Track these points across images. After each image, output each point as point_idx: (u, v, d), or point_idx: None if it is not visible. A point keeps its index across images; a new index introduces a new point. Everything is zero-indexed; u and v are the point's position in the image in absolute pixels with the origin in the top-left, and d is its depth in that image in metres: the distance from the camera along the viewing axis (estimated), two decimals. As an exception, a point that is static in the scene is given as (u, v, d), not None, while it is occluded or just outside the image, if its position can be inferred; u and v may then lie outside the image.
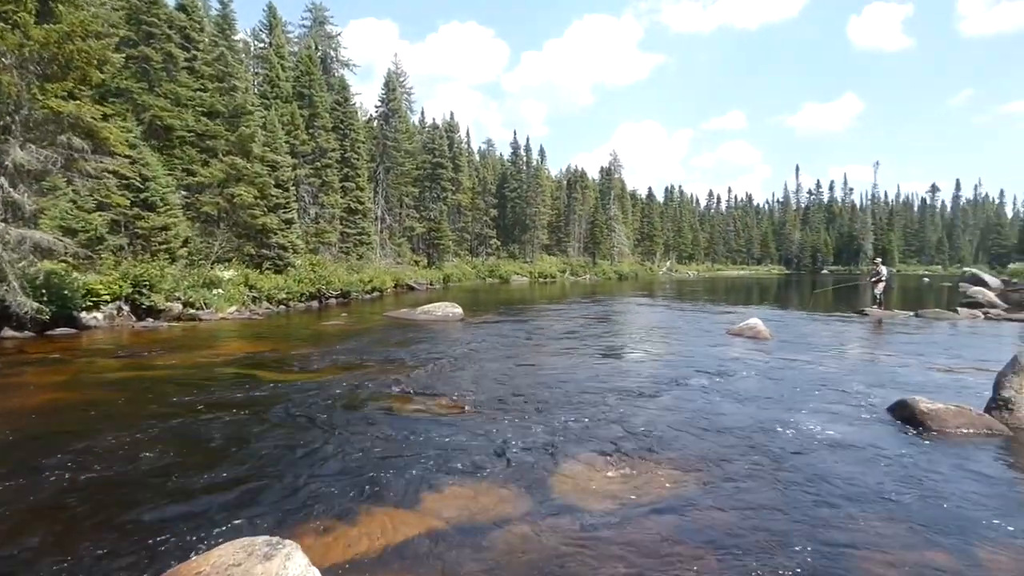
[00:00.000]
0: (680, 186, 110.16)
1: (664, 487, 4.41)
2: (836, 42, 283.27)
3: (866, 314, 17.74)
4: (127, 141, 16.74)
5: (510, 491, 4.32)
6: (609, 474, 4.67)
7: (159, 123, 21.27)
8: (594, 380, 8.26)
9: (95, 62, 11.76)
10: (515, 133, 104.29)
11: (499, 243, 57.51)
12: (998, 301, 21.18)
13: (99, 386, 7.84)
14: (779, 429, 5.85)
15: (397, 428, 5.82)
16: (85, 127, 12.60)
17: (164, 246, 18.51)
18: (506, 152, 65.49)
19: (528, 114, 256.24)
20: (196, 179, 21.84)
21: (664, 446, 5.32)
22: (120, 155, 15.32)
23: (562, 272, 57.85)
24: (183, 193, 21.26)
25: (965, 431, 5.70)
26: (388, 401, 6.98)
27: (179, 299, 15.88)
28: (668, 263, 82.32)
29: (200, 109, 22.66)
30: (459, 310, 17.05)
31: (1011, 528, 3.76)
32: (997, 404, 6.11)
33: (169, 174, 20.16)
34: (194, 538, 3.50)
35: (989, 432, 5.67)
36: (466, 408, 6.63)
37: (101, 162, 13.79)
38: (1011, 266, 43.15)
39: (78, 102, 12.78)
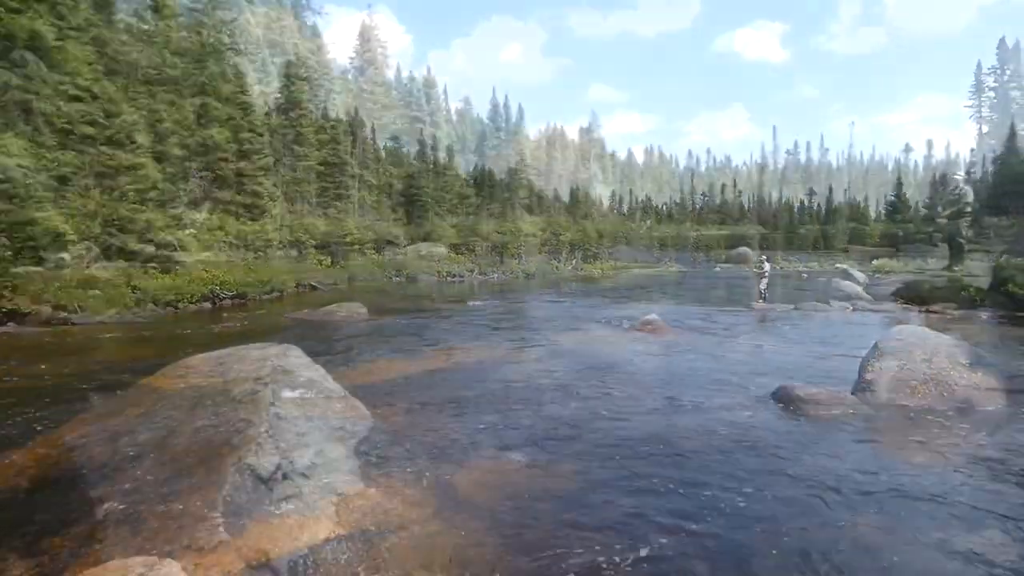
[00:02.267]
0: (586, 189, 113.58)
1: (567, 478, 4.51)
2: (726, 53, 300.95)
3: (753, 308, 19.07)
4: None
5: (414, 492, 4.25)
6: (515, 470, 4.71)
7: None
8: (500, 377, 8.31)
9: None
10: (421, 130, 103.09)
11: (407, 242, 56.59)
12: (864, 294, 23.42)
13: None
14: (676, 416, 6.20)
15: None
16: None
17: (29, 243, 16.66)
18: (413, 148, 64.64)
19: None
20: (68, 170, 19.83)
21: (569, 438, 5.45)
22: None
23: (470, 271, 57.87)
24: (54, 185, 19.22)
25: (836, 411, 6.27)
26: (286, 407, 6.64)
27: (48, 301, 14.36)
28: (574, 262, 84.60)
29: (71, 93, 20.58)
30: (364, 310, 16.63)
31: (869, 494, 4.22)
32: (861, 387, 6.78)
33: (38, 163, 18.15)
34: (61, 566, 3.16)
35: (855, 412, 6.28)
36: (369, 410, 6.46)
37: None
38: (874, 262, 47.66)
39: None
